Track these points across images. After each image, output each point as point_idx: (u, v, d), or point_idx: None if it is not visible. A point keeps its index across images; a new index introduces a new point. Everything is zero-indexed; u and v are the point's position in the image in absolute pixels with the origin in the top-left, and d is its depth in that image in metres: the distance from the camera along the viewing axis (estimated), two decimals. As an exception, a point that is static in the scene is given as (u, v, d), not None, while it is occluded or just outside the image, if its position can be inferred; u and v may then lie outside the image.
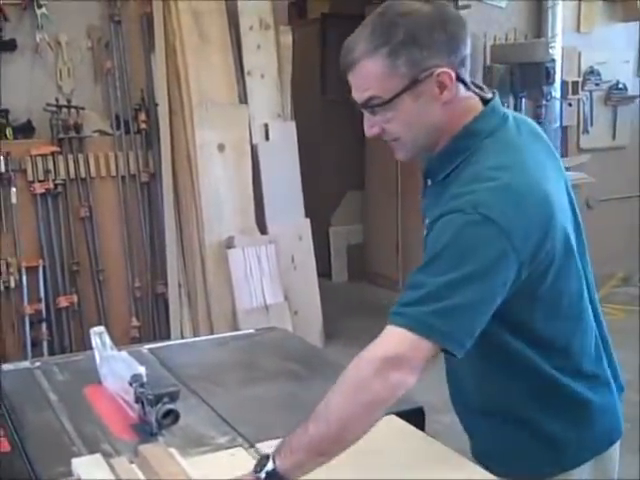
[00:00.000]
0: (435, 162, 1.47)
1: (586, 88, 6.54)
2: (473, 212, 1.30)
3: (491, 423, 1.56)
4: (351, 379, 1.32)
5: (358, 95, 1.42)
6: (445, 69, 1.37)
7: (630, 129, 6.70)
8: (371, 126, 1.45)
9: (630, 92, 6.73)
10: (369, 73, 1.38)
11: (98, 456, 1.52)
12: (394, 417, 1.67)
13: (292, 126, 5.07)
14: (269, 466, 1.29)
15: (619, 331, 4.63)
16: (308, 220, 5.08)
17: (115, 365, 1.82)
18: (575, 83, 6.36)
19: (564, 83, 6.10)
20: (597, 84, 6.60)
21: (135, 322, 4.81)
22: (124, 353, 1.86)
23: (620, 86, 6.69)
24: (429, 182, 1.52)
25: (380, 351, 1.31)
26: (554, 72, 5.50)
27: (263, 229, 4.88)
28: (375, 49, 1.37)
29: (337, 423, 1.30)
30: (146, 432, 1.64)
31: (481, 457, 1.59)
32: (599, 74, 6.58)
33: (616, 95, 6.69)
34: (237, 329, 4.37)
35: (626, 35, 6.72)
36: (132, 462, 1.49)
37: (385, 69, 1.37)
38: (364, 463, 1.50)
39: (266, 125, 4.96)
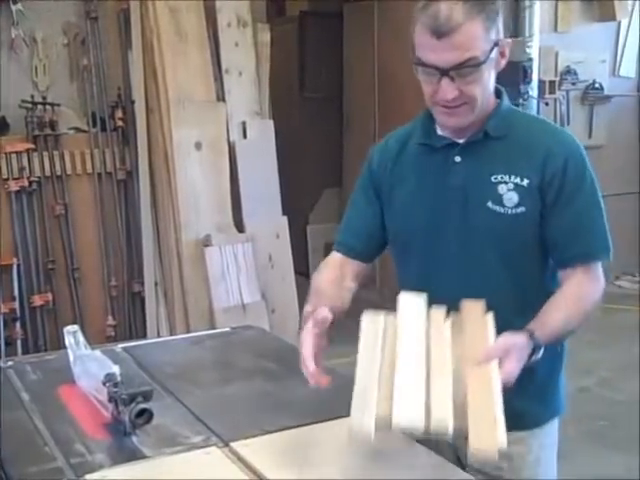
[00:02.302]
0: (499, 121, 1.67)
1: (563, 87, 6.58)
2: (579, 147, 1.70)
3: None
4: (590, 300, 1.66)
5: (455, 56, 1.52)
6: (507, 39, 1.62)
7: (606, 128, 6.75)
8: (452, 90, 1.56)
9: (606, 92, 6.79)
10: (472, 35, 1.52)
11: (423, 298, 1.58)
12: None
13: (270, 124, 5.06)
14: (536, 340, 1.53)
15: (597, 330, 4.69)
16: (285, 218, 5.07)
17: (89, 364, 1.80)
18: (552, 82, 6.39)
19: (541, 82, 6.13)
20: (574, 83, 6.64)
21: (111, 321, 4.77)
22: (98, 352, 1.84)
23: (597, 86, 6.74)
24: (460, 143, 1.68)
25: (602, 280, 1.68)
26: (531, 71, 5.54)
27: (240, 227, 4.86)
28: (477, 14, 1.53)
29: (585, 317, 1.66)
30: (119, 431, 1.63)
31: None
32: (576, 73, 6.62)
33: (592, 95, 6.74)
34: (214, 328, 4.35)
35: (603, 35, 6.77)
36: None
37: (484, 32, 1.54)
38: (338, 460, 1.50)
39: (244, 123, 4.94)
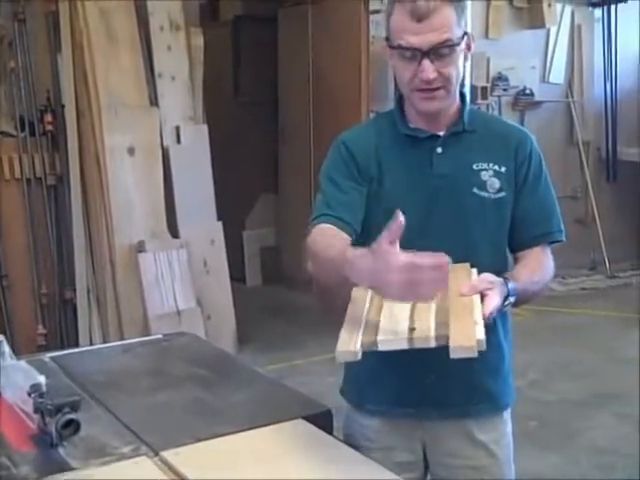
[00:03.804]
0: (471, 116, 1.82)
1: (495, 93, 6.70)
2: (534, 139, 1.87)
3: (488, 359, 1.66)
4: (550, 272, 1.82)
5: (434, 37, 1.64)
6: (472, 34, 1.75)
7: (537, 133, 6.82)
8: (432, 70, 1.67)
9: (537, 97, 6.92)
10: (448, 18, 1.65)
11: None
12: (302, 421, 1.66)
13: (204, 129, 5.03)
14: (510, 285, 1.64)
15: (526, 331, 4.78)
16: (220, 223, 5.04)
17: (14, 375, 1.75)
18: (484, 88, 6.51)
19: (473, 88, 6.24)
20: (505, 89, 6.76)
21: (41, 329, 4.67)
22: (23, 363, 1.79)
23: (527, 91, 6.87)
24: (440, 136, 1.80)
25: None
26: (464, 77, 5.62)
27: (175, 233, 4.81)
28: (450, 2, 1.66)
29: (544, 285, 1.80)
30: (46, 443, 1.58)
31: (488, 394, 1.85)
32: (507, 79, 6.74)
33: (523, 100, 6.87)
34: (148, 335, 4.28)
35: (533, 41, 6.91)
36: None
37: (456, 19, 1.67)
38: (271, 467, 1.49)
39: (177, 128, 4.91)
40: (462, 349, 1.37)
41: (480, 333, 1.40)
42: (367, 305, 1.53)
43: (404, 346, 1.41)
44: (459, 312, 1.47)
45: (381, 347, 1.41)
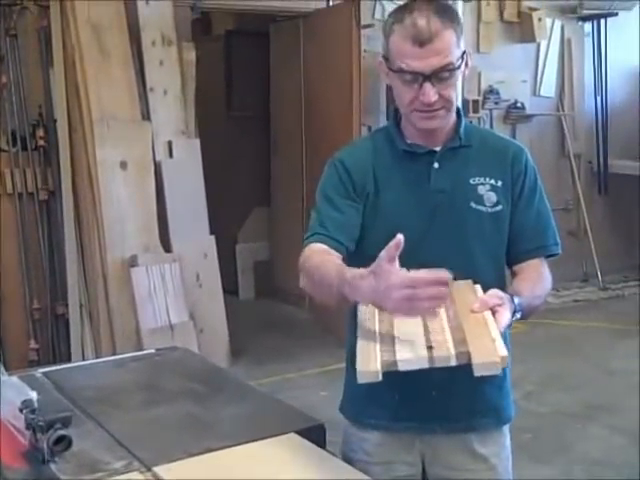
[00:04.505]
0: (466, 131, 1.84)
1: (486, 107, 6.74)
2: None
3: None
4: (549, 285, 1.82)
5: (437, 61, 1.66)
6: (469, 51, 1.77)
7: (528, 146, 6.85)
8: (434, 93, 1.68)
9: (528, 111, 6.96)
10: (449, 41, 1.67)
11: None
12: (294, 435, 1.66)
13: (196, 143, 5.03)
14: (516, 300, 1.64)
15: (521, 344, 4.75)
16: (213, 237, 5.04)
17: (5, 391, 1.74)
18: (476, 102, 6.54)
19: (465, 102, 6.26)
20: (496, 103, 6.80)
21: (33, 344, 4.66)
22: (15, 378, 1.78)
23: (518, 105, 6.91)
24: (438, 150, 1.82)
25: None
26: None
27: (167, 247, 4.81)
28: (450, 24, 1.68)
29: (544, 297, 1.80)
30: (38, 459, 1.58)
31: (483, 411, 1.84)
32: (498, 93, 6.78)
33: (514, 113, 6.90)
34: (141, 349, 4.28)
35: (523, 55, 6.95)
36: None
37: (456, 40, 1.69)
38: (264, 482, 1.48)
39: (170, 142, 4.91)
40: (486, 366, 1.37)
41: (502, 349, 1.39)
42: (377, 321, 1.52)
43: (425, 365, 1.39)
44: (474, 329, 1.46)
45: (401, 367, 1.39)
